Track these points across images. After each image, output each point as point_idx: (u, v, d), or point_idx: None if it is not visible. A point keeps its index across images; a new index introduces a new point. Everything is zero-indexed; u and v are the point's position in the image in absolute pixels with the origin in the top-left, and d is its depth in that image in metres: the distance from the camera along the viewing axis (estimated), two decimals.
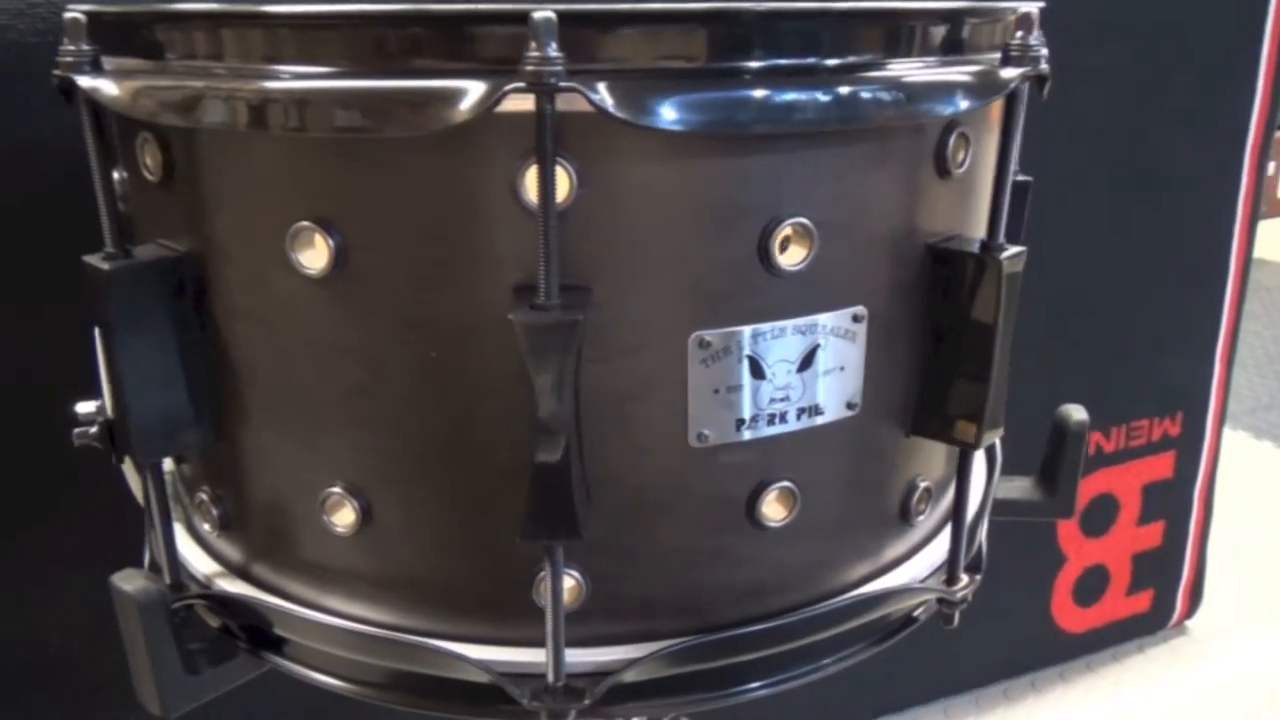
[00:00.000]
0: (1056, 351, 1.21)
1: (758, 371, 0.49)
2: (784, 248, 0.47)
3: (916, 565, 0.58)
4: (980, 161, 0.53)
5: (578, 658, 0.50)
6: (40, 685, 0.84)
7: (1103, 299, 1.22)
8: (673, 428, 0.48)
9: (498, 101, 0.40)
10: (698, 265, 0.47)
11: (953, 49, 0.50)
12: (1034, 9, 0.48)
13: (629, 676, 0.49)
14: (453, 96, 0.41)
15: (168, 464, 0.59)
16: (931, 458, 0.57)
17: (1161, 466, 1.34)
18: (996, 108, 0.52)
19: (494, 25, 0.41)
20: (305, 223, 0.46)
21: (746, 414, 0.49)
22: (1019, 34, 0.48)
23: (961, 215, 0.54)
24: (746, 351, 0.48)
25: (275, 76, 0.44)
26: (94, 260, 0.49)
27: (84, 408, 0.57)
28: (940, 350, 0.54)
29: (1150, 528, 1.36)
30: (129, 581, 0.52)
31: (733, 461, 0.50)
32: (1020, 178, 0.68)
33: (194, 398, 0.52)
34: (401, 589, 0.52)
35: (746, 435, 0.49)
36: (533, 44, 0.39)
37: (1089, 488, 1.30)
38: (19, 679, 0.83)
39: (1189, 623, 1.44)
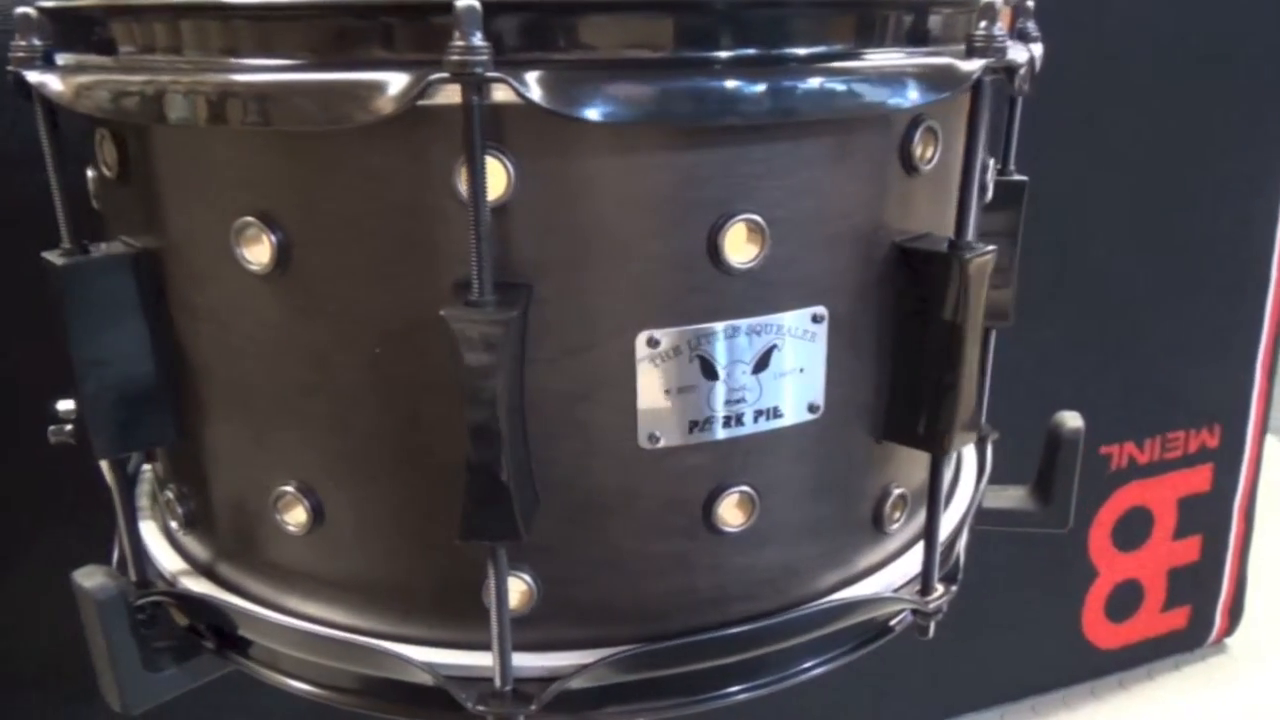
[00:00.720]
0: (1090, 361, 1.18)
1: (710, 372, 0.47)
2: (734, 245, 0.46)
3: (891, 574, 0.57)
4: (953, 158, 0.52)
5: (529, 662, 0.49)
6: (41, 685, 0.85)
7: (1137, 307, 1.18)
8: (622, 429, 0.47)
9: (422, 93, 0.39)
10: (645, 262, 0.45)
11: (917, 40, 0.48)
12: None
13: (576, 683, 0.48)
14: (377, 89, 0.40)
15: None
16: (907, 464, 0.55)
17: (1198, 479, 1.30)
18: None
19: (421, 16, 0.40)
20: (249, 218, 0.46)
21: (699, 416, 0.48)
22: (982, 25, 0.47)
23: (934, 213, 0.52)
24: (698, 351, 0.47)
25: (206, 69, 0.43)
26: (50, 256, 0.50)
27: (64, 405, 0.58)
28: (909, 353, 0.52)
29: (1187, 542, 1.32)
30: (89, 578, 0.52)
31: (687, 465, 0.49)
32: (1016, 177, 0.66)
33: (156, 395, 0.52)
34: (355, 590, 0.51)
35: (700, 438, 0.48)
36: (457, 34, 0.39)
37: (1121, 500, 1.26)
38: (19, 679, 0.84)
39: (1228, 640, 1.39)
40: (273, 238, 0.45)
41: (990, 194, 0.60)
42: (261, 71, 0.43)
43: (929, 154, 0.50)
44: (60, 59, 0.48)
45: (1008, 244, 0.68)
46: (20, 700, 0.86)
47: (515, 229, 0.44)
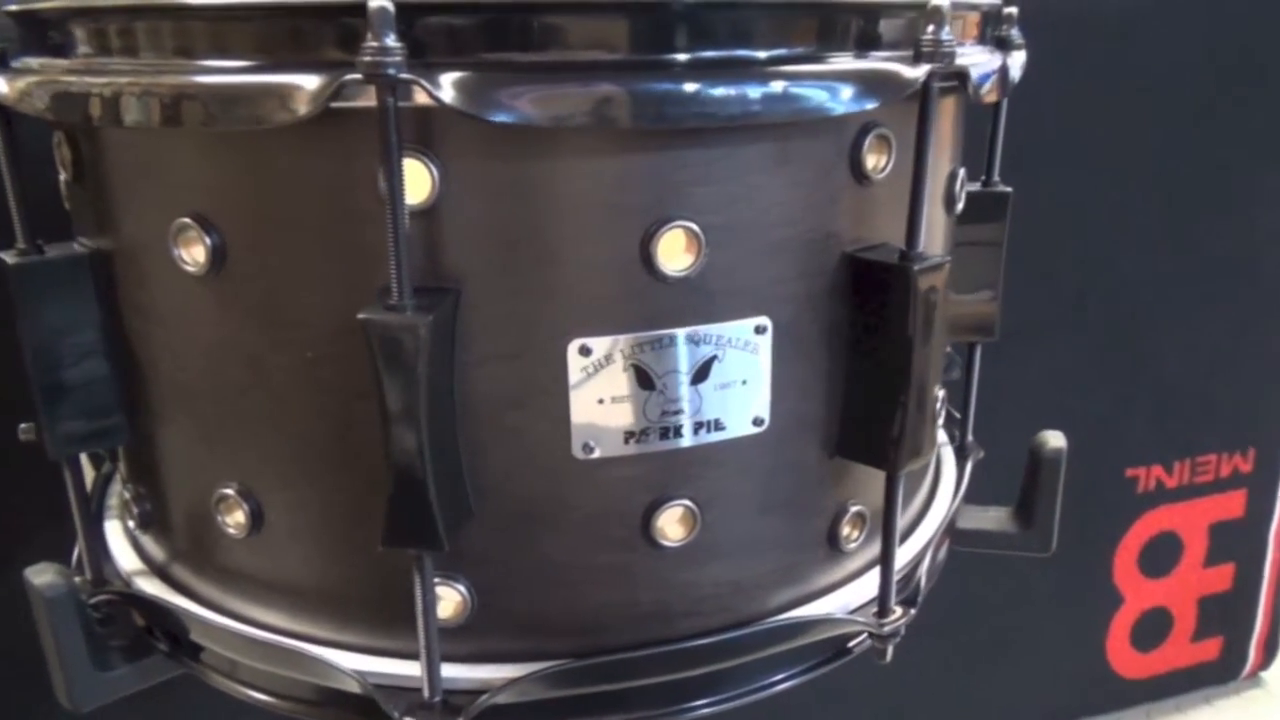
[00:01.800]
0: (1115, 380, 1.15)
1: (646, 382, 0.46)
2: (669, 252, 0.45)
3: (849, 594, 0.55)
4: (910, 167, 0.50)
5: (463, 673, 0.49)
6: (43, 683, 0.86)
7: (1166, 323, 1.15)
8: (556, 438, 0.46)
9: (335, 95, 0.39)
10: (576, 268, 0.45)
11: (866, 45, 0.47)
12: (945, 1, 0.45)
13: (505, 697, 0.47)
14: (293, 91, 0.40)
15: None
16: (866, 481, 0.54)
17: (1231, 505, 1.25)
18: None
19: (337, 18, 0.40)
20: (186, 220, 0.46)
21: (636, 426, 0.47)
22: (929, 29, 0.45)
23: (892, 224, 0.50)
24: (633, 361, 0.46)
25: (139, 72, 0.44)
26: (4, 256, 0.50)
27: None
28: (861, 367, 0.50)
29: (1218, 570, 1.28)
30: (39, 575, 0.53)
31: (623, 476, 0.48)
32: (1000, 188, 0.65)
33: (109, 395, 0.53)
34: (293, 594, 0.51)
35: (637, 449, 0.47)
36: (370, 35, 0.38)
37: (1148, 525, 1.22)
38: (18, 679, 0.85)
39: (1264, 674, 1.34)
40: (208, 239, 0.46)
41: (960, 205, 0.58)
42: (183, 73, 0.43)
43: (882, 162, 0.49)
44: (21, 62, 0.49)
45: (991, 257, 0.66)
46: (20, 698, 0.88)
47: (442, 232, 0.43)
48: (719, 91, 0.42)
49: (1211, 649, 1.31)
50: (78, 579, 0.56)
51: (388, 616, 0.49)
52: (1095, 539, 1.21)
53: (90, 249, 0.51)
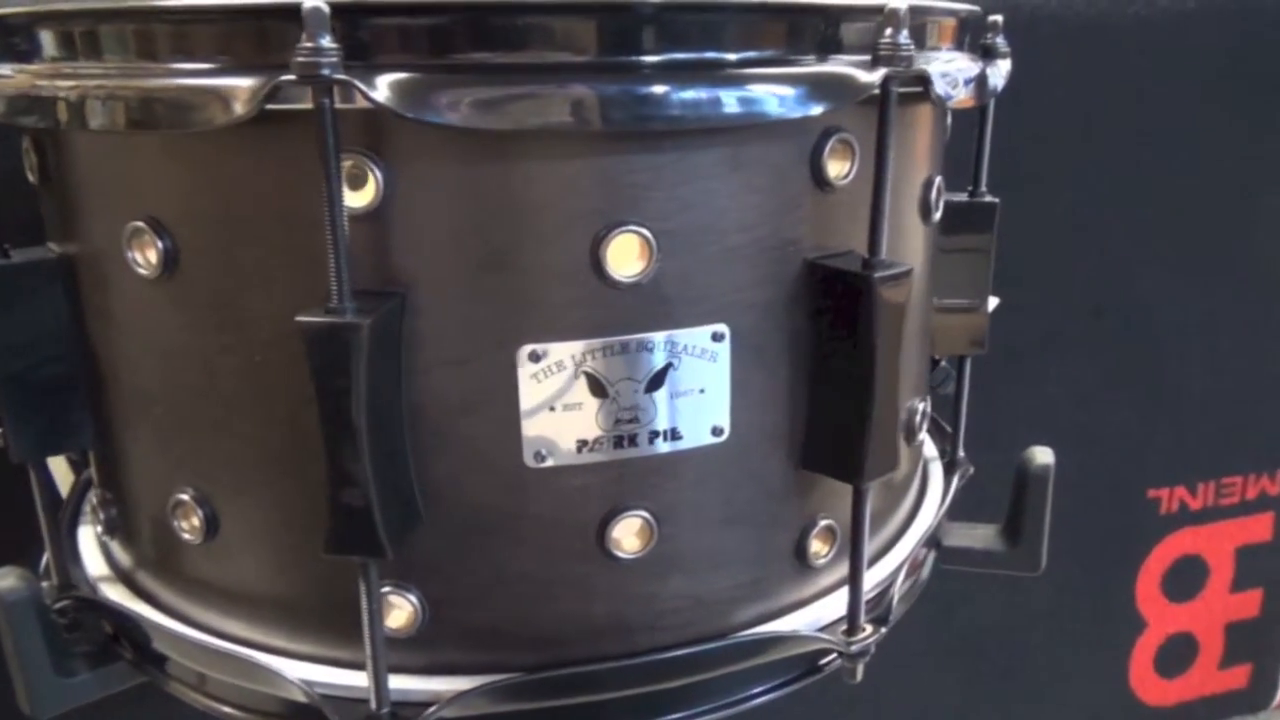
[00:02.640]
0: (1135, 399, 1.12)
1: (598, 389, 0.46)
2: (619, 257, 0.44)
3: (821, 610, 0.53)
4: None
5: (414, 685, 0.48)
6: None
7: (1191, 341, 1.12)
8: (507, 446, 0.46)
9: (270, 96, 0.39)
10: (525, 273, 0.44)
11: (826, 48, 0.46)
12: (902, 5, 0.43)
13: (451, 711, 0.46)
14: (231, 94, 0.40)
15: None
16: (836, 495, 0.52)
17: (1258, 528, 1.22)
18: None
19: (273, 19, 0.40)
20: (139, 223, 0.46)
21: (589, 435, 0.46)
22: (887, 32, 0.44)
23: (856, 231, 0.49)
24: (584, 367, 0.45)
25: (88, 77, 0.44)
26: None
27: None
28: (825, 378, 0.49)
29: (1246, 595, 1.24)
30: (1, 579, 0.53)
31: (576, 485, 0.47)
32: (986, 199, 0.63)
33: (73, 399, 0.53)
34: (247, 602, 0.50)
35: (591, 458, 0.46)
36: (304, 36, 0.38)
37: (1171, 548, 1.19)
38: None
39: None
40: (159, 243, 0.45)
41: (938, 214, 0.57)
42: (133, 78, 0.43)
43: (845, 169, 0.48)
44: None
45: (980, 268, 0.64)
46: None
47: (389, 235, 0.43)
48: (661, 94, 0.41)
49: (1240, 677, 1.27)
50: (45, 584, 0.56)
51: (339, 626, 0.48)
52: (1117, 562, 1.18)
53: (58, 253, 0.52)
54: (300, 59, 0.38)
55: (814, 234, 0.48)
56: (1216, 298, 1.10)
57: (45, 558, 0.58)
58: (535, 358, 0.45)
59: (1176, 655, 1.23)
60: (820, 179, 0.47)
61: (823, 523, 0.52)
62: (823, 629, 0.53)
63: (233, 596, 0.51)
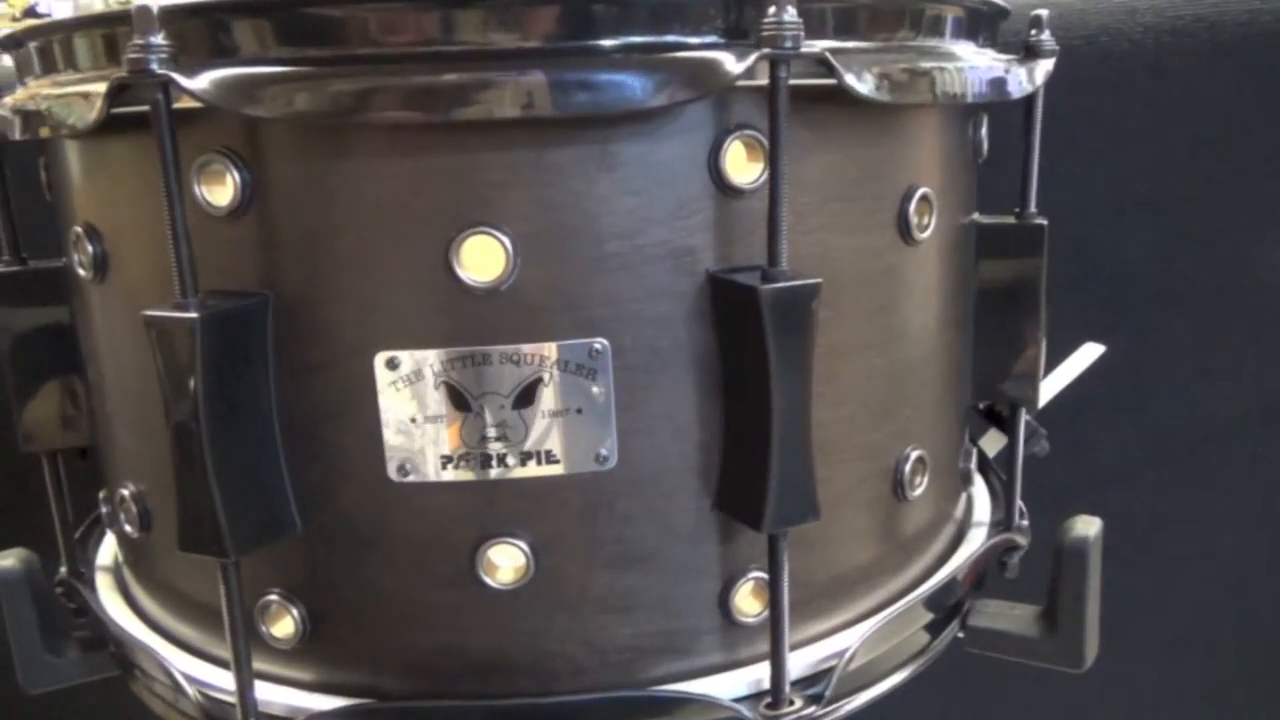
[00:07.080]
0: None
1: (461, 402, 0.43)
2: (474, 261, 0.41)
3: (753, 674, 0.47)
4: (800, 177, 0.43)
5: (288, 699, 0.47)
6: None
7: None
8: (371, 457, 0.44)
9: (115, 95, 0.40)
10: (379, 276, 0.42)
11: (733, 35, 0.41)
12: None
13: None
14: (89, 99, 0.41)
15: None
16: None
17: None
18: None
19: (116, 25, 0.42)
20: (78, 228, 0.49)
21: (453, 450, 0.43)
22: (771, 10, 0.39)
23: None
24: (444, 378, 0.43)
25: (37, 90, 0.47)
26: None
27: None
28: (732, 407, 0.44)
29: None
30: (2, 559, 0.57)
31: (444, 505, 0.44)
32: (1035, 220, 0.55)
33: (70, 396, 0.57)
34: (175, 601, 0.52)
35: (455, 476, 0.44)
36: (136, 36, 0.39)
37: None
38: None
39: None
40: (90, 247, 0.48)
41: (926, 231, 0.49)
42: (60, 87, 0.45)
43: (755, 172, 0.43)
44: None
45: (1025, 300, 0.55)
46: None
47: (249, 236, 0.43)
48: (476, 81, 0.38)
49: None
50: (63, 569, 0.60)
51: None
52: None
53: (63, 262, 0.56)
54: (130, 55, 0.39)
55: (718, 244, 0.43)
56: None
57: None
58: (392, 365, 0.43)
59: None
60: (722, 183, 0.42)
61: (754, 574, 0.46)
62: (743, 698, 0.46)
63: (165, 594, 0.52)
